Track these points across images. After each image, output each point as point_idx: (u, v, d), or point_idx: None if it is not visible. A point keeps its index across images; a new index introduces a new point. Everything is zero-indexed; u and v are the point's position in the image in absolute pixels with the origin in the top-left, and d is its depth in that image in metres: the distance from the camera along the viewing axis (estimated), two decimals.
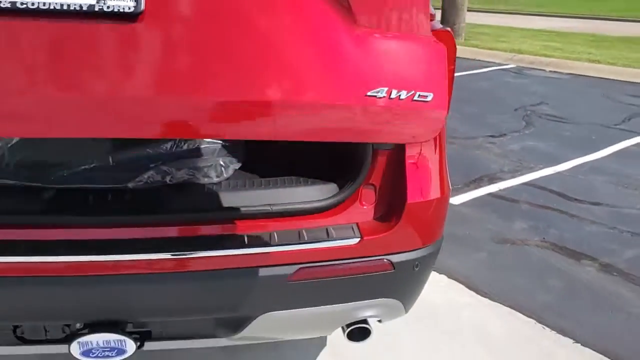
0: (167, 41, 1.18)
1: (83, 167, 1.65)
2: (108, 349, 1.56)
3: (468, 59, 10.59)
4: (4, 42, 1.11)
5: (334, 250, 1.59)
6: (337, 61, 1.25)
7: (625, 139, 5.77)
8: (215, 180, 1.69)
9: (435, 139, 1.75)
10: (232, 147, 1.85)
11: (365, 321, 1.72)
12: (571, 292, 3.02)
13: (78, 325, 1.60)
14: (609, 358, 2.48)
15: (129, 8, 1.11)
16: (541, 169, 4.85)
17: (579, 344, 2.57)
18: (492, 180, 4.58)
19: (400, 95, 1.22)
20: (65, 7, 1.09)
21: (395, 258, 1.65)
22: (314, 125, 1.27)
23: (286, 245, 1.56)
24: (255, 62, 1.19)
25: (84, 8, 1.10)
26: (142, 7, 1.11)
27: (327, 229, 1.62)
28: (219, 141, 1.84)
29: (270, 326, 1.66)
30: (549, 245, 3.51)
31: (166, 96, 1.18)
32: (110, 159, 1.69)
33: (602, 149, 5.44)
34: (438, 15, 12.31)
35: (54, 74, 1.15)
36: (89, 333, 1.54)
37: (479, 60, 10.59)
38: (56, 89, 1.15)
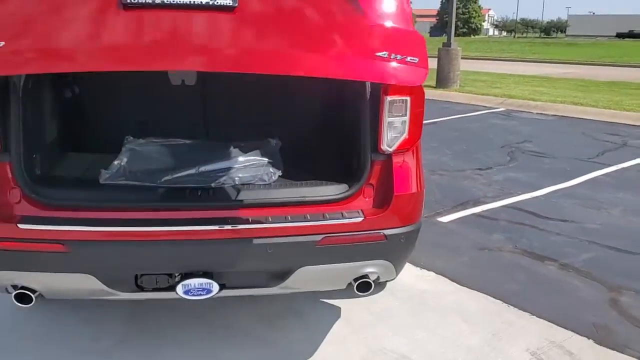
0: (251, 22, 2.05)
1: (182, 174, 2.52)
2: (200, 289, 2.38)
3: (462, 103, 11.57)
4: (152, 22, 1.99)
5: (346, 225, 2.43)
6: (358, 38, 2.13)
7: (596, 170, 6.62)
8: (267, 181, 2.55)
9: (413, 153, 2.61)
10: (274, 162, 2.73)
11: (367, 276, 2.53)
12: (533, 283, 3.80)
13: (177, 278, 2.43)
14: (555, 324, 3.25)
15: (229, 3, 1.98)
16: (520, 194, 5.68)
17: (534, 316, 3.34)
18: (477, 203, 5.41)
19: (397, 57, 2.07)
20: (190, 2, 1.97)
21: (387, 232, 2.48)
22: (348, 68, 2.08)
23: (315, 221, 2.40)
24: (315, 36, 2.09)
25: (203, 3, 1.97)
26: (237, 3, 1.98)
27: (341, 212, 2.46)
28: (267, 158, 2.72)
29: (303, 277, 2.48)
30: (520, 251, 4.31)
31: (243, 52, 2.04)
32: (199, 169, 2.55)
33: (575, 178, 6.29)
34: (434, 64, 13.38)
35: (183, 39, 2.02)
36: (186, 280, 2.37)
37: (472, 104, 11.56)
38: (183, 46, 2.00)
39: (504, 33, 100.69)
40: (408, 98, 2.51)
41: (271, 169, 2.60)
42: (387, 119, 2.50)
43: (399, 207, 2.52)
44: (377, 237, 2.48)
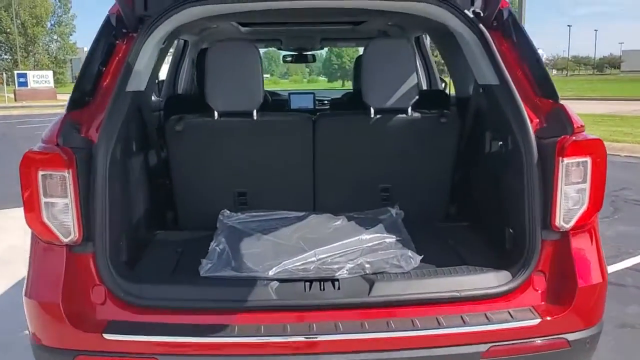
0: None
1: (295, 261, 1.97)
2: None
3: None
4: None
5: (518, 330, 1.82)
6: None
7: None
8: (406, 269, 1.97)
9: (592, 231, 2.00)
10: (404, 239, 2.15)
11: None
12: None
13: None
14: None
15: None
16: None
17: None
18: None
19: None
20: None
21: (570, 337, 1.86)
22: None
23: (477, 326, 1.80)
24: None
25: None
26: None
27: (508, 311, 1.85)
28: (394, 235, 2.15)
29: None
30: None
31: None
32: (317, 256, 2.00)
33: None
34: None
35: None
36: None
37: None
38: None
39: (554, 72, 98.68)
40: (588, 159, 1.92)
41: (409, 252, 2.02)
42: (563, 186, 1.90)
43: (584, 302, 1.90)
44: (559, 344, 1.86)
